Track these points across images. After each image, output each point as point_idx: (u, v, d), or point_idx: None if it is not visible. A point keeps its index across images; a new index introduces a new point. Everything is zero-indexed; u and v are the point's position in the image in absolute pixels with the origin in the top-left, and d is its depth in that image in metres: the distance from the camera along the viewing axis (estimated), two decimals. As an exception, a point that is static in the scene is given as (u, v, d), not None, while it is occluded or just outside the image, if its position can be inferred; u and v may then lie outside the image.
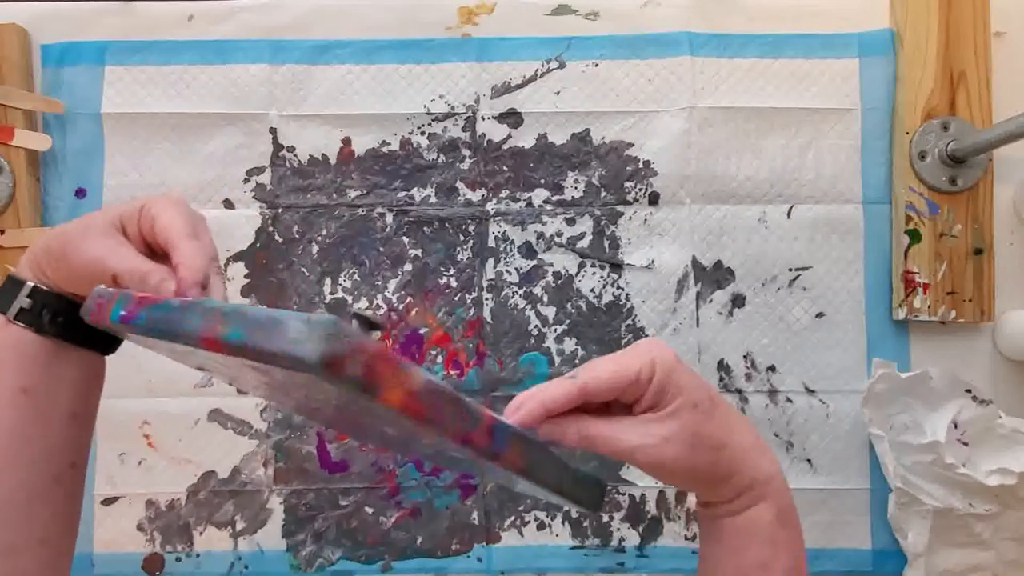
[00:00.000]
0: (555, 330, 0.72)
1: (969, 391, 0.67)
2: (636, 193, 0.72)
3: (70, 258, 0.43)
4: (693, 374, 0.40)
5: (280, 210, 0.73)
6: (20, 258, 0.46)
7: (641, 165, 0.72)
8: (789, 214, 0.72)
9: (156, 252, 0.44)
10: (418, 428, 0.32)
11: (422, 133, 0.73)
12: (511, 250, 0.72)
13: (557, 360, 0.71)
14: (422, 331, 0.72)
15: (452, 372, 0.71)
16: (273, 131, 0.73)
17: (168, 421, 0.71)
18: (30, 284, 0.44)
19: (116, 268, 0.41)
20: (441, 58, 0.73)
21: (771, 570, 0.40)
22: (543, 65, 0.73)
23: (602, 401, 0.39)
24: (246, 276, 0.72)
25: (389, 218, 0.73)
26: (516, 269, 0.72)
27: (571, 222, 0.72)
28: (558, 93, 0.73)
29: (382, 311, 0.72)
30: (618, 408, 0.40)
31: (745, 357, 0.71)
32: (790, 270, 0.72)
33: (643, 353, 0.39)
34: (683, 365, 0.40)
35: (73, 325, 0.44)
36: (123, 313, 0.36)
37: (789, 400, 0.71)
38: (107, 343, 0.47)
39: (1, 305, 0.44)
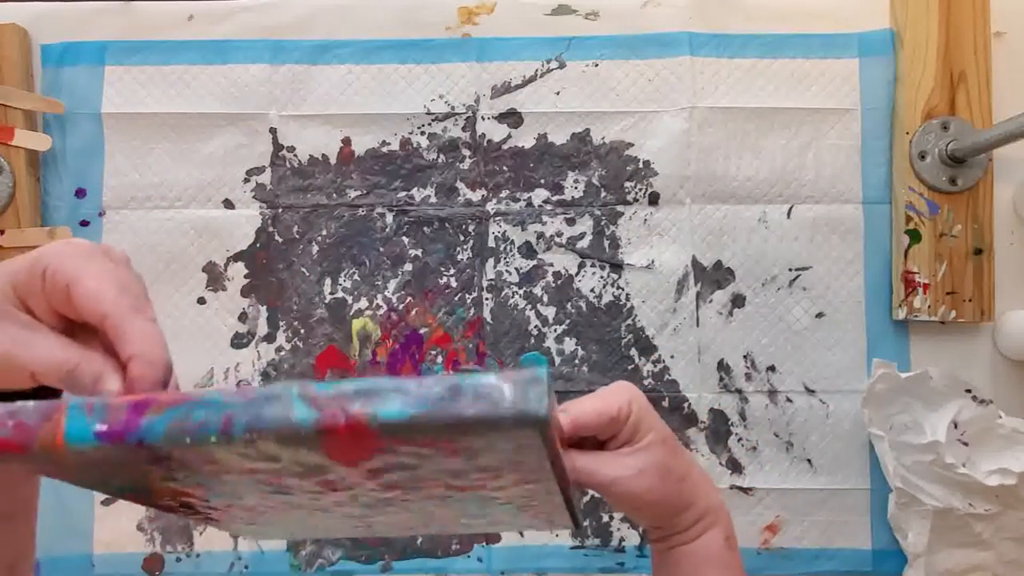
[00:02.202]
0: (555, 330, 0.72)
1: (969, 391, 0.67)
2: (636, 193, 0.72)
3: None
4: (657, 414, 0.44)
5: (280, 210, 0.73)
6: None
7: (641, 165, 0.72)
8: (789, 214, 0.72)
9: (72, 321, 0.32)
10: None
11: (422, 133, 0.73)
12: (511, 250, 0.72)
13: (557, 360, 0.71)
14: (422, 331, 0.72)
15: (452, 372, 0.71)
16: (273, 131, 0.73)
17: (168, 421, 0.71)
18: None
19: (31, 364, 0.30)
20: (441, 58, 0.73)
21: None
22: (543, 65, 0.73)
23: (579, 438, 0.42)
24: (246, 276, 0.72)
25: (389, 218, 0.73)
26: (516, 269, 0.72)
27: (571, 222, 0.72)
28: (558, 93, 0.73)
29: (382, 311, 0.72)
30: (590, 446, 0.43)
31: (745, 357, 0.71)
32: (790, 270, 0.72)
33: (621, 394, 0.43)
34: (652, 408, 0.44)
35: None
36: (101, 428, 0.27)
37: (789, 400, 0.71)
38: None
39: None
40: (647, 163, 0.72)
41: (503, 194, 0.73)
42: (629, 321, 0.72)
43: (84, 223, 0.72)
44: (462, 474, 0.31)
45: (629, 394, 0.43)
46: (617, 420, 0.41)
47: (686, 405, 0.71)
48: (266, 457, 0.27)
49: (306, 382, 0.26)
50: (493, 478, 0.32)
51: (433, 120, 0.73)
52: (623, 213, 0.72)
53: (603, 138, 0.73)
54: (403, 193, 0.73)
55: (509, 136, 0.73)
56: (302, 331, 0.72)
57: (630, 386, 0.44)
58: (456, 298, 0.72)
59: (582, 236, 0.72)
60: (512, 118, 0.73)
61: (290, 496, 0.33)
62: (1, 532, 0.38)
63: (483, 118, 0.73)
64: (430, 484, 0.33)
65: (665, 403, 0.71)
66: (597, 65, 0.73)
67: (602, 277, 0.72)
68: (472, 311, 0.72)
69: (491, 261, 0.72)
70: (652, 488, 0.42)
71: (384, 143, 0.73)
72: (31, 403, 0.28)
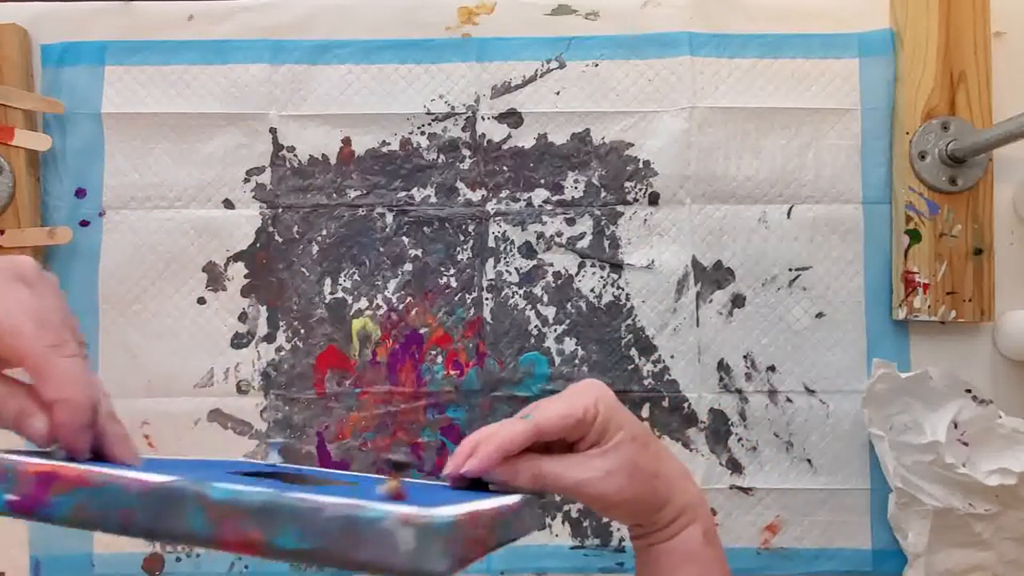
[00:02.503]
0: (555, 330, 0.72)
1: (969, 391, 0.67)
2: (636, 193, 0.72)
3: None
4: (628, 411, 0.44)
5: (280, 210, 0.73)
6: None
7: (641, 165, 0.72)
8: (789, 214, 0.72)
9: None
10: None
11: (422, 133, 0.73)
12: (511, 250, 0.72)
13: (557, 360, 0.71)
14: (422, 331, 0.72)
15: (452, 372, 0.71)
16: (273, 131, 0.73)
17: (168, 421, 0.71)
18: None
19: None
20: (441, 58, 0.73)
21: None
22: (543, 65, 0.73)
23: (546, 442, 0.41)
24: (246, 276, 0.72)
25: (389, 218, 0.73)
26: (516, 269, 0.72)
27: (571, 222, 0.72)
28: (558, 93, 0.73)
29: (382, 311, 0.72)
30: (559, 448, 0.42)
31: (745, 357, 0.71)
32: (790, 270, 0.72)
33: (588, 394, 0.42)
34: (621, 406, 0.43)
35: None
36: (11, 498, 0.27)
37: (789, 400, 0.71)
38: None
39: None
40: (647, 163, 0.72)
41: (503, 194, 0.73)
42: (629, 321, 0.72)
43: (84, 223, 0.72)
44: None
45: (596, 393, 0.42)
46: (584, 422, 0.41)
47: (686, 405, 0.71)
48: (164, 539, 0.28)
49: (204, 484, 0.26)
50: None
51: (433, 120, 0.73)
52: (623, 213, 0.72)
53: (603, 138, 0.73)
54: (403, 193, 0.73)
55: (509, 136, 0.73)
56: (302, 331, 0.72)
57: (598, 385, 0.44)
58: (456, 298, 0.72)
59: (582, 236, 0.72)
60: (512, 118, 0.73)
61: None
62: None
63: (483, 118, 0.73)
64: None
65: (665, 403, 0.71)
66: (597, 65, 0.73)
67: (602, 277, 0.72)
68: (472, 311, 0.72)
69: (491, 261, 0.72)
70: (622, 488, 0.41)
71: (384, 143, 0.73)
72: None
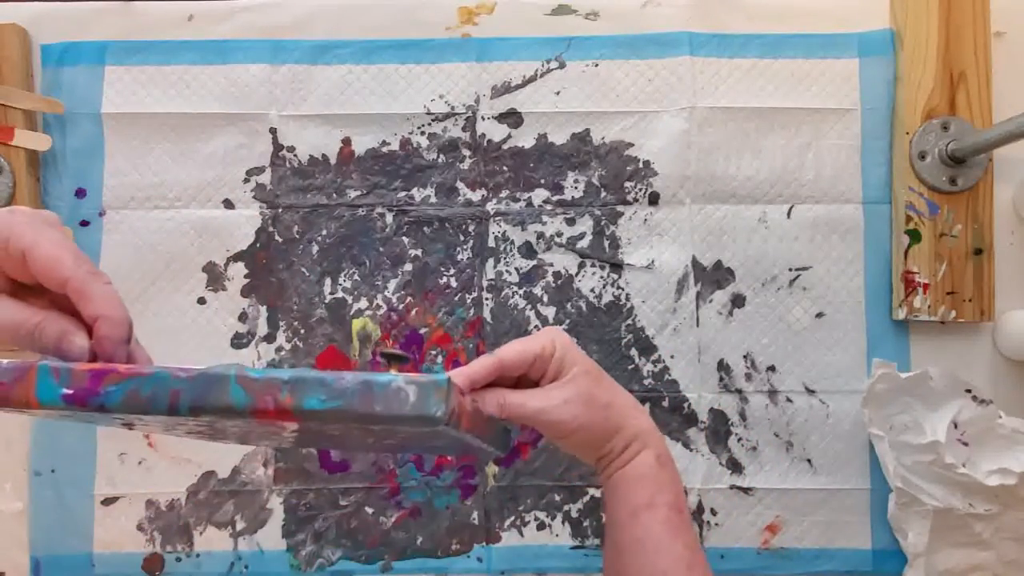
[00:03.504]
0: (555, 330, 0.72)
1: (969, 391, 0.67)
2: (636, 193, 0.72)
3: None
4: (582, 351, 0.49)
5: (280, 210, 0.73)
6: None
7: (641, 165, 0.72)
8: (789, 214, 0.72)
9: (24, 286, 0.35)
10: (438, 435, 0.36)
11: (422, 133, 0.73)
12: (511, 250, 0.72)
13: (557, 360, 0.71)
14: (422, 331, 0.72)
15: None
16: (273, 131, 0.73)
17: (168, 421, 0.71)
18: None
19: None
20: (441, 58, 0.73)
21: (655, 506, 0.47)
22: (543, 65, 0.73)
23: (514, 377, 0.48)
24: (246, 276, 0.72)
25: (389, 218, 0.73)
26: (516, 269, 0.72)
27: (571, 222, 0.72)
28: (558, 93, 0.73)
29: (382, 311, 0.72)
30: (526, 384, 0.48)
31: (745, 357, 0.71)
32: (790, 270, 0.72)
33: (545, 335, 0.49)
34: (576, 345, 0.49)
35: None
36: (67, 392, 0.30)
37: (789, 400, 0.71)
38: None
39: None
40: (647, 163, 0.72)
41: (503, 194, 0.73)
42: (629, 321, 0.72)
43: (84, 223, 0.72)
44: (384, 435, 0.37)
45: (552, 335, 0.49)
46: (542, 357, 0.47)
47: (686, 405, 0.71)
48: (203, 421, 0.33)
49: (243, 367, 0.31)
50: (416, 439, 0.39)
51: (433, 120, 0.73)
52: (623, 213, 0.72)
53: (603, 138, 0.73)
54: (403, 193, 0.73)
55: (509, 136, 0.73)
56: (302, 331, 0.72)
57: (554, 328, 0.51)
58: (456, 298, 0.72)
59: (582, 236, 0.72)
60: (512, 118, 0.73)
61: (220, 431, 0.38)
62: None
63: (483, 118, 0.73)
64: (355, 439, 0.40)
65: (665, 403, 0.71)
66: (597, 65, 0.73)
67: (602, 277, 0.72)
68: (472, 311, 0.72)
69: (491, 261, 0.72)
70: (577, 415, 0.46)
71: (384, 143, 0.73)
72: (4, 362, 0.31)
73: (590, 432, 0.47)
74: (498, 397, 0.46)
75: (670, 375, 0.71)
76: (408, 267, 0.72)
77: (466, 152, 0.73)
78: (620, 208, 0.72)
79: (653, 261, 0.72)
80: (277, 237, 0.72)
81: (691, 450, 0.71)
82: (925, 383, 0.67)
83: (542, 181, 0.73)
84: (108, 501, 0.71)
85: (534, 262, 0.72)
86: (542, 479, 0.70)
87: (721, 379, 0.71)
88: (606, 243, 0.72)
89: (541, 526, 0.71)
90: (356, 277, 0.72)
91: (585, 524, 0.71)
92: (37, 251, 0.33)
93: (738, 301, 0.72)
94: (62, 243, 0.33)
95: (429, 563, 0.70)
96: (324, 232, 0.72)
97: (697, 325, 0.71)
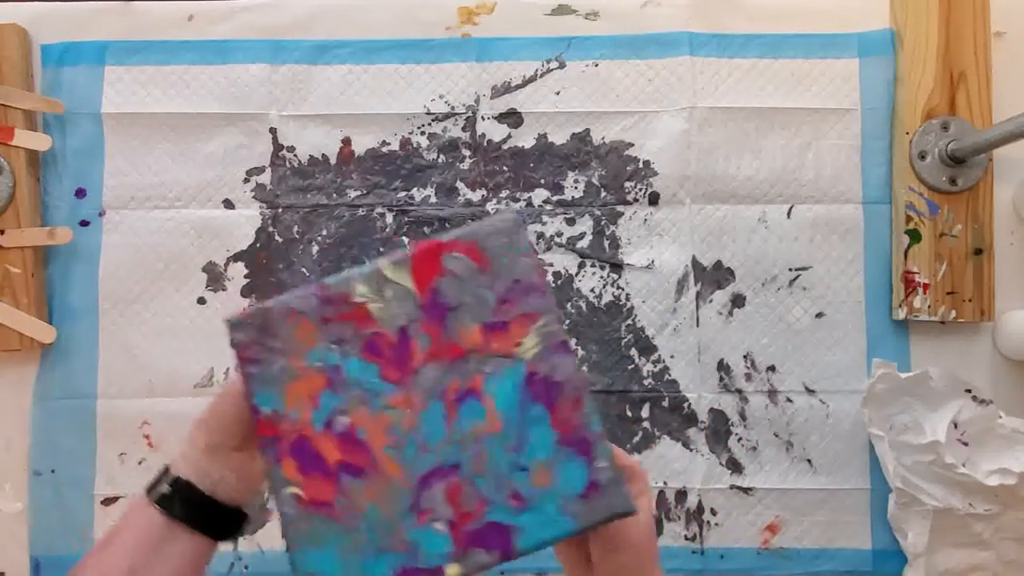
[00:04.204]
0: (555, 330, 0.72)
1: (969, 391, 0.67)
2: (636, 193, 0.72)
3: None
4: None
5: (280, 210, 0.73)
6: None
7: (641, 165, 0.72)
8: (789, 214, 0.72)
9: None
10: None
11: (422, 133, 0.73)
12: (511, 250, 0.72)
13: (557, 360, 0.71)
14: (422, 331, 0.72)
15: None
16: (273, 131, 0.73)
17: (168, 421, 0.71)
18: (173, 474, 0.44)
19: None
20: (441, 58, 0.73)
21: None
22: (543, 65, 0.73)
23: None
24: (246, 276, 0.72)
25: (389, 218, 0.73)
26: (516, 269, 0.72)
27: (571, 222, 0.72)
28: (558, 93, 0.73)
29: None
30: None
31: (745, 357, 0.71)
32: (790, 270, 0.72)
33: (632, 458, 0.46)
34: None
35: (197, 509, 0.44)
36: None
37: (789, 400, 0.71)
38: (223, 529, 0.45)
39: (151, 489, 0.43)
40: (647, 163, 0.72)
41: (503, 194, 0.73)
42: (629, 321, 0.72)
43: (84, 223, 0.72)
44: (490, 311, 0.41)
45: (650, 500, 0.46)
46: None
47: (686, 405, 0.71)
48: (376, 290, 0.41)
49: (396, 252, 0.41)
50: (517, 322, 0.41)
51: (433, 120, 0.73)
52: (623, 213, 0.72)
53: (603, 138, 0.73)
54: (403, 193, 0.73)
55: (509, 136, 0.73)
56: (302, 331, 0.72)
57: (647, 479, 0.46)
58: (456, 298, 0.72)
59: (582, 236, 0.72)
60: (512, 118, 0.73)
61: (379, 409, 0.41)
62: None
63: (483, 118, 0.73)
64: (467, 335, 0.41)
65: (665, 403, 0.71)
66: (597, 65, 0.73)
67: (602, 277, 0.72)
68: (472, 311, 0.72)
69: (491, 261, 0.72)
70: (650, 528, 0.43)
71: (384, 143, 0.73)
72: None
73: (642, 555, 0.43)
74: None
75: (670, 375, 0.71)
76: (408, 267, 0.72)
77: (466, 152, 0.73)
78: (620, 208, 0.72)
79: (653, 261, 0.72)
80: (277, 237, 0.72)
81: (691, 450, 0.71)
82: (925, 383, 0.67)
83: (542, 181, 0.73)
84: (108, 501, 0.70)
85: (534, 262, 0.72)
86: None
87: (721, 379, 0.71)
88: (606, 243, 0.72)
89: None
90: (356, 277, 0.72)
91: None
92: None
93: (738, 301, 0.72)
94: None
95: (429, 563, 0.70)
96: (324, 232, 0.72)
97: (697, 325, 0.71)
